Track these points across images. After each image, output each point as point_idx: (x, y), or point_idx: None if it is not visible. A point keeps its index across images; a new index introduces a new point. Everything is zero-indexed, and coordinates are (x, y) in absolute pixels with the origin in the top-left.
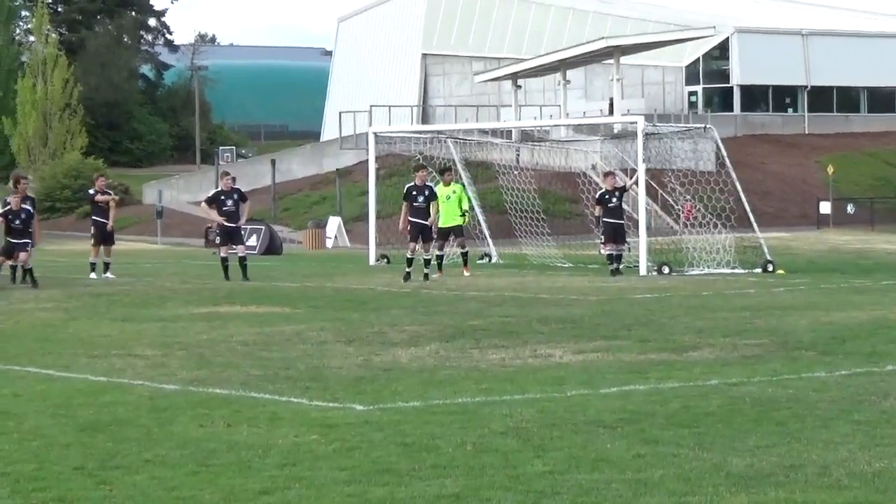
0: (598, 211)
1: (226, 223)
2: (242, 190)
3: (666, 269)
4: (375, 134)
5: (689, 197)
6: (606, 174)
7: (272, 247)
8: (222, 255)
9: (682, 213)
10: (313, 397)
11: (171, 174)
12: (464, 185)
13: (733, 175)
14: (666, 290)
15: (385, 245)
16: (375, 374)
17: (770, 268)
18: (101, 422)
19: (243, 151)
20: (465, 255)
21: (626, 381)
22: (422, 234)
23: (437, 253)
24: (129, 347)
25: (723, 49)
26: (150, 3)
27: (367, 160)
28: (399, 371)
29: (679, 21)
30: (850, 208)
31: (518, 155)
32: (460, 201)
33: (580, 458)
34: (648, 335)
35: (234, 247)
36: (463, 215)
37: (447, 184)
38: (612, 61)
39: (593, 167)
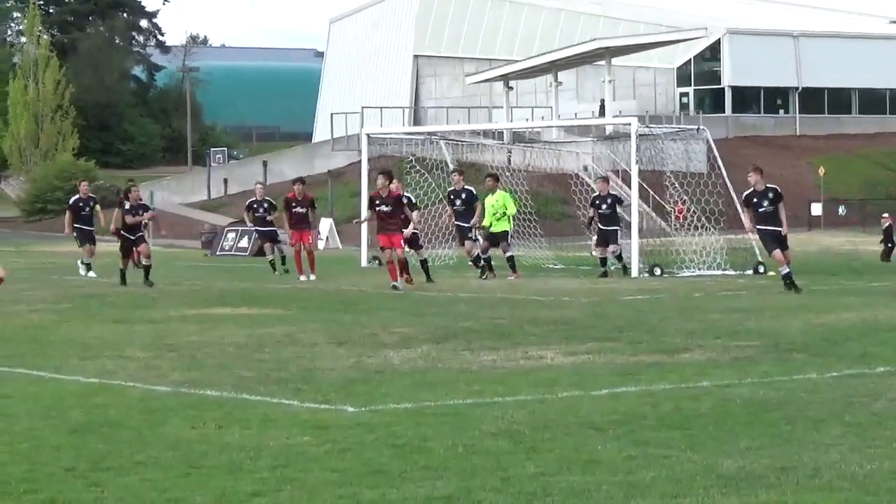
0: (591, 212)
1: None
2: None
3: (657, 271)
4: (368, 135)
5: (685, 198)
6: (600, 178)
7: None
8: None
9: (674, 214)
10: (305, 399)
11: (163, 175)
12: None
13: (725, 176)
14: (657, 291)
15: (377, 247)
16: (367, 376)
17: (761, 269)
18: (93, 423)
19: (235, 153)
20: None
21: (617, 383)
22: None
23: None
24: (121, 349)
25: (714, 50)
26: (142, 4)
27: (359, 161)
28: (390, 373)
29: (670, 22)
30: (841, 210)
31: (510, 156)
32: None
33: (571, 460)
34: (640, 337)
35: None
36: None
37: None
38: (603, 63)
39: (585, 168)
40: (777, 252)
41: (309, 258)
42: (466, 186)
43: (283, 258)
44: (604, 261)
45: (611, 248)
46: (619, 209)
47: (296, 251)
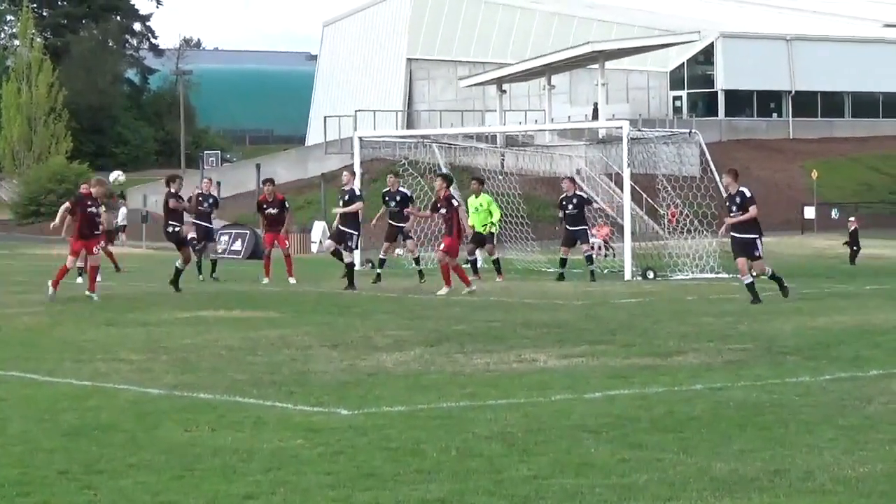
0: (560, 213)
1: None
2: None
3: (650, 274)
4: (360, 138)
5: (678, 202)
6: (566, 178)
7: (257, 251)
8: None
9: (667, 217)
10: (298, 402)
11: (156, 178)
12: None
13: (718, 180)
14: (650, 294)
15: (370, 250)
16: (360, 379)
17: (754, 273)
18: (86, 426)
19: (228, 156)
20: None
21: (610, 386)
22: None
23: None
24: (114, 352)
25: (707, 54)
26: (135, 7)
27: (352, 165)
28: (384, 376)
29: (664, 26)
30: (833, 213)
31: (503, 160)
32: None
33: (565, 463)
34: (633, 340)
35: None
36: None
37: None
38: (596, 66)
39: (578, 172)
40: (741, 261)
41: (286, 261)
42: (401, 189)
43: (214, 263)
44: (564, 262)
45: (584, 248)
46: (587, 210)
47: (265, 254)
